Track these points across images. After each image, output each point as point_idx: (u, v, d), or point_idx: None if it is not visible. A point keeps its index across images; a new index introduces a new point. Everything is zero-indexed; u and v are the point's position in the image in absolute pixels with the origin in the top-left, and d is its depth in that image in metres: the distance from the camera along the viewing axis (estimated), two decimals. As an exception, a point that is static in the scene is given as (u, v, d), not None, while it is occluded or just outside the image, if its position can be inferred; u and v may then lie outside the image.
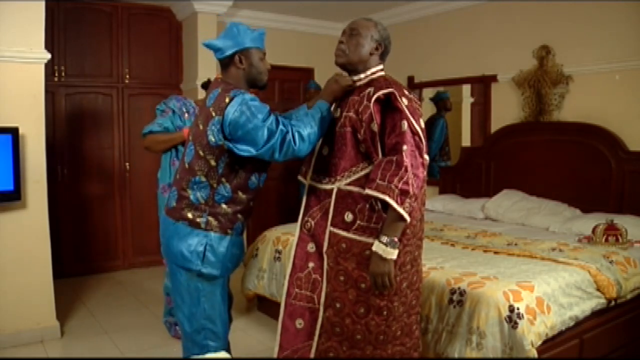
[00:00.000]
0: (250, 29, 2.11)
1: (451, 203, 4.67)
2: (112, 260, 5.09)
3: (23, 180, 3.27)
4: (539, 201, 4.14)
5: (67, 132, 4.84)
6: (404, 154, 1.86)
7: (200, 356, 2.34)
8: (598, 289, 2.69)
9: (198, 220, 2.04)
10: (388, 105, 1.94)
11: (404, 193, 1.83)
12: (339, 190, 2.03)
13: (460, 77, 5.08)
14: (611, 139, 3.87)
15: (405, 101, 1.92)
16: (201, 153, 2.02)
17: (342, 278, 2.00)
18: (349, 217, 1.99)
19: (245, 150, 1.95)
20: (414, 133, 1.91)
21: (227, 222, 2.07)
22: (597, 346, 2.72)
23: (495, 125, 4.78)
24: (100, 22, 4.93)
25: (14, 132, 3.16)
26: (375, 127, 1.94)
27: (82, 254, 4.91)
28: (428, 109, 5.49)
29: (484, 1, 4.83)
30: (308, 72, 6.20)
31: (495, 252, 3.07)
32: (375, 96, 1.94)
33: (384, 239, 1.86)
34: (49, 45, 3.52)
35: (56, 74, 4.69)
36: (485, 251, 3.12)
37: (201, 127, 2.04)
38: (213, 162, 2.01)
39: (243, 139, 1.94)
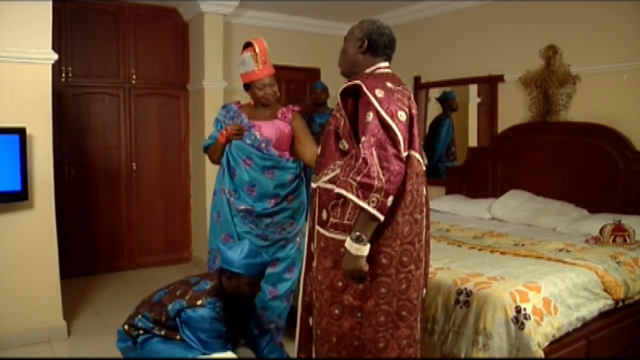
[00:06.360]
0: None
1: (457, 203, 4.65)
2: (118, 260, 5.11)
3: (30, 180, 3.29)
4: (545, 201, 4.12)
5: (74, 132, 4.85)
6: (362, 145, 1.79)
7: (206, 356, 2.35)
8: (605, 290, 2.68)
9: (129, 330, 2.57)
10: (361, 99, 1.89)
11: (364, 186, 1.73)
12: (319, 188, 2.02)
13: (467, 77, 5.06)
14: (618, 139, 3.85)
15: (380, 93, 1.84)
16: (163, 310, 2.49)
17: (320, 277, 1.97)
18: (324, 214, 1.97)
19: (185, 334, 2.42)
20: (384, 125, 1.80)
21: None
22: (604, 347, 2.71)
23: (502, 125, 4.76)
24: (106, 22, 4.95)
25: (21, 132, 3.18)
26: (346, 121, 1.93)
27: (89, 254, 4.93)
28: (434, 109, 5.48)
29: (490, 1, 4.81)
30: (314, 73, 6.19)
31: (502, 253, 3.06)
32: (340, 90, 1.94)
33: (353, 234, 1.79)
34: (56, 46, 3.53)
35: (63, 75, 4.71)
36: (491, 251, 3.11)
37: (178, 292, 2.51)
38: (164, 319, 2.49)
39: (191, 328, 2.40)
